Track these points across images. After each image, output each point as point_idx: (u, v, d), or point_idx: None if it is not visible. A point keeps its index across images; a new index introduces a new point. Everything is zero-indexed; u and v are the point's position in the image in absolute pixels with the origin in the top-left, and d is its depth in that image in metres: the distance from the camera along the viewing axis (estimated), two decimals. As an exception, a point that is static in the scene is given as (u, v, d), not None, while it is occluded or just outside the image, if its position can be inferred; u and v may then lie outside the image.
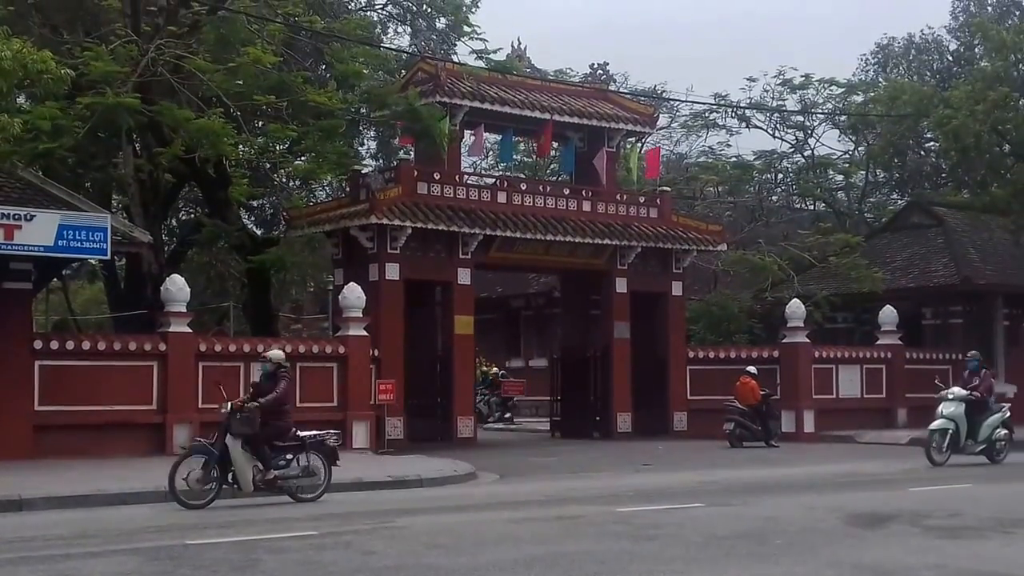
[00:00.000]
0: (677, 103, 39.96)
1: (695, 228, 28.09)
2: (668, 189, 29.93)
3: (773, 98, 38.41)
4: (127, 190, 24.85)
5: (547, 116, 25.87)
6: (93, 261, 27.55)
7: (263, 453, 13.91)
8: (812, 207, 41.64)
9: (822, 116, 38.29)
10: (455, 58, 27.19)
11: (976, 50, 38.64)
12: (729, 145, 40.93)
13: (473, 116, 25.24)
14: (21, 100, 20.95)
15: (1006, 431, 20.41)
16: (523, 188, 26.74)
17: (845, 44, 66.27)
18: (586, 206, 26.57)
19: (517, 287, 37.73)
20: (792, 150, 39.81)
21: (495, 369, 35.43)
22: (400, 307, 23.86)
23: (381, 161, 31.66)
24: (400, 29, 31.85)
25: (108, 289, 31.24)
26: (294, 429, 14.47)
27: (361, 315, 22.59)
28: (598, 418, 27.19)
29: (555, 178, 34.90)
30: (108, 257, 20.36)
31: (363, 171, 25.60)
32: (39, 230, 17.04)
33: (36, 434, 18.75)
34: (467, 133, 26.26)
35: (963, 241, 31.62)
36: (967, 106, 28.25)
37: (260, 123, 25.51)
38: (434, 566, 9.32)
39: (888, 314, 29.09)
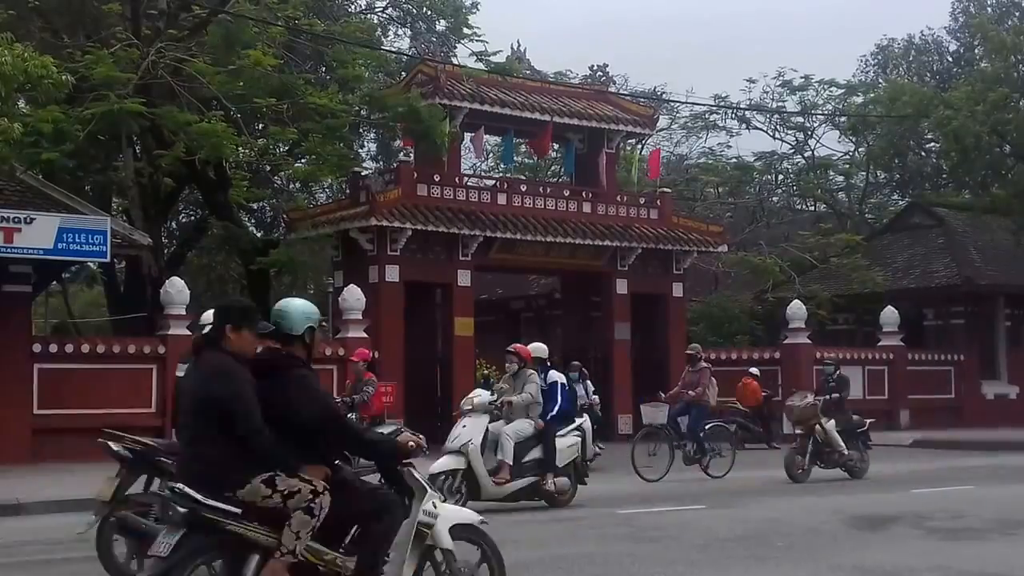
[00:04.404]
0: (677, 104, 40.02)
1: (696, 229, 28.05)
2: (668, 190, 29.84)
3: (773, 99, 38.54)
4: (127, 193, 24.83)
5: (547, 118, 25.82)
6: (93, 264, 27.52)
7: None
8: (813, 208, 41.65)
9: (822, 117, 38.31)
10: (455, 60, 27.14)
11: (976, 51, 38.65)
12: (729, 146, 41.09)
13: (473, 118, 25.20)
14: (21, 104, 20.92)
15: None
16: (523, 190, 26.70)
17: (845, 44, 66.38)
18: (586, 207, 26.54)
19: (517, 289, 37.61)
20: (792, 151, 39.86)
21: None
22: (400, 309, 23.83)
23: (381, 163, 31.69)
24: (400, 32, 31.94)
25: (108, 292, 31.24)
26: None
27: (361, 317, 22.56)
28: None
29: (555, 179, 34.89)
30: (108, 260, 20.33)
31: (363, 173, 25.58)
32: (39, 233, 17.04)
33: (35, 437, 18.72)
34: (467, 135, 26.25)
35: (964, 242, 31.58)
36: (967, 107, 28.27)
37: (261, 125, 25.49)
38: (434, 569, 9.26)
39: (889, 315, 29.05)
